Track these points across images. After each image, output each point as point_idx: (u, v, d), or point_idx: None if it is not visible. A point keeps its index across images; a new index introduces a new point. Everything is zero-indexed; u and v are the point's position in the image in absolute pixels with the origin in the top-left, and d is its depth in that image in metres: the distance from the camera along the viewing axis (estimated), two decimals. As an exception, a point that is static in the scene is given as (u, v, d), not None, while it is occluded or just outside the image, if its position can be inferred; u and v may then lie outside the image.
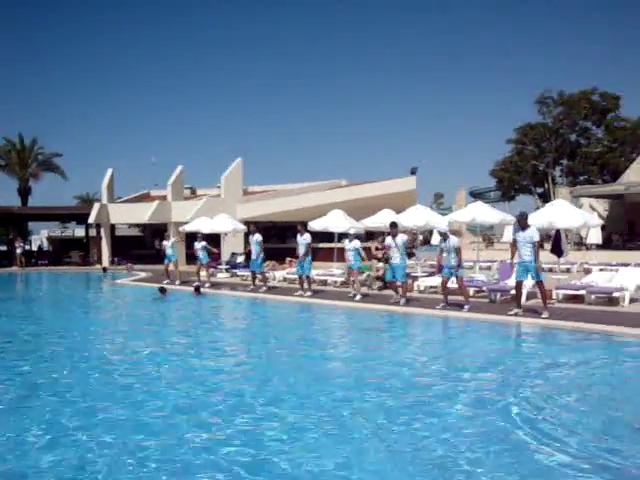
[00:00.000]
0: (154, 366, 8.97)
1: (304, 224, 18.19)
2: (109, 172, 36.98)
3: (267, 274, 20.75)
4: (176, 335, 12.24)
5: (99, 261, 35.01)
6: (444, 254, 14.04)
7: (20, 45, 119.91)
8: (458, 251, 13.71)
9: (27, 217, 40.55)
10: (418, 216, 19.35)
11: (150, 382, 7.99)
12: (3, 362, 9.49)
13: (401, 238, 14.99)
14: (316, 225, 20.66)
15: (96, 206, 35.24)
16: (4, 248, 40.85)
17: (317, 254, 21.51)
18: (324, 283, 20.19)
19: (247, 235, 22.99)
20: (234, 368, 9.03)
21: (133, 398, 7.10)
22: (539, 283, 12.62)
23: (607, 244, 31.25)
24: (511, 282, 15.09)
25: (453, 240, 13.79)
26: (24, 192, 48.33)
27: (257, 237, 18.69)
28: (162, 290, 18.56)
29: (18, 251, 34.30)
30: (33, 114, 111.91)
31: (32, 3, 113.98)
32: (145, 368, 8.88)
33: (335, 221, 20.79)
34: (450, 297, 14.01)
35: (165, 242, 22.49)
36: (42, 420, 6.27)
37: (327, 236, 24.52)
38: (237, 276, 24.24)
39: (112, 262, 34.63)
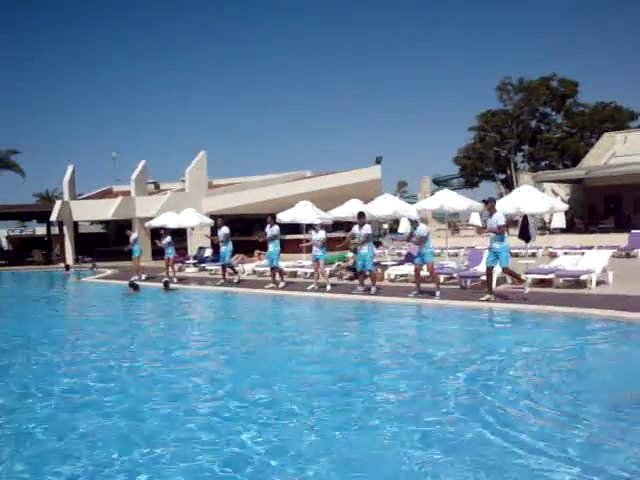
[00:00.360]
0: (135, 366, 8.85)
1: (273, 216, 18.14)
2: (70, 168, 36.31)
3: (237, 267, 20.63)
4: (155, 332, 12.09)
5: (62, 259, 34.37)
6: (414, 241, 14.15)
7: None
8: (423, 239, 13.76)
9: (-15, 217, 39.70)
10: (386, 205, 19.38)
11: (138, 378, 7.88)
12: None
13: (365, 228, 15.03)
14: (284, 217, 20.57)
15: (58, 203, 34.55)
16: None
17: (285, 246, 21.43)
18: (294, 275, 20.15)
19: (215, 229, 22.77)
20: (213, 362, 8.95)
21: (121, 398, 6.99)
22: (504, 269, 12.81)
23: (570, 228, 31.79)
24: (481, 268, 15.26)
25: (421, 228, 13.86)
26: (-19, 191, 47.10)
27: (224, 230, 18.66)
28: (135, 287, 18.29)
29: (-22, 252, 33.52)
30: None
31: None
32: (127, 366, 8.71)
33: (303, 212, 20.70)
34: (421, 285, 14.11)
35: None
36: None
37: (294, 227, 24.48)
38: (205, 270, 24.04)
39: (76, 260, 34.05)
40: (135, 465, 4.95)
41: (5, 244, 50.65)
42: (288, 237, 26.75)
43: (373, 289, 14.79)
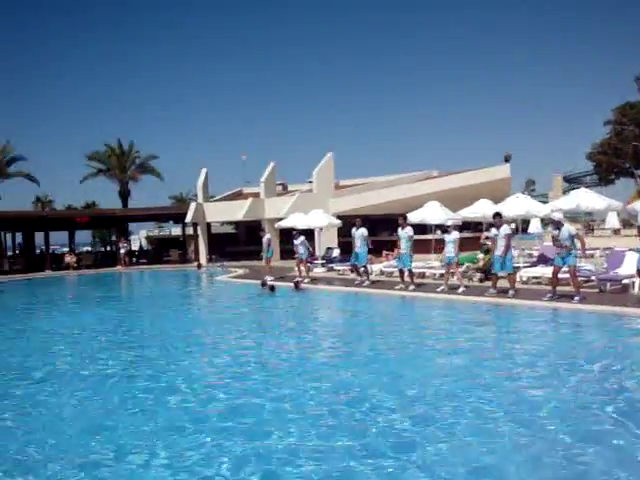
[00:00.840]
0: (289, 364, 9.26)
1: (404, 217, 18.09)
2: (203, 172, 37.99)
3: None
4: (297, 331, 12.43)
5: (196, 259, 36.03)
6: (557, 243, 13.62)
7: (113, 55, 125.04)
8: (576, 237, 13.31)
9: (128, 219, 42.24)
10: (518, 205, 18.82)
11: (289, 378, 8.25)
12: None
13: (504, 229, 14.72)
14: (413, 217, 20.48)
15: (192, 205, 36.28)
16: (109, 248, 43.03)
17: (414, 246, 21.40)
18: (422, 276, 20.04)
19: (340, 230, 22.99)
20: (358, 364, 9.03)
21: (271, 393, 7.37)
22: None
23: None
24: (622, 271, 14.57)
25: (569, 228, 13.40)
26: (124, 195, 50.32)
27: (362, 231, 18.83)
28: (271, 288, 18.85)
29: (122, 251, 35.82)
30: (128, 119, 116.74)
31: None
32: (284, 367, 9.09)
33: (432, 213, 20.56)
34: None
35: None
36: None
37: (421, 228, 24.30)
38: (333, 270, 24.40)
39: (209, 260, 35.61)
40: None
41: (145, 244, 53.92)
42: (415, 237, 26.59)
43: (511, 292, 14.46)
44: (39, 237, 39.50)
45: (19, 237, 43.53)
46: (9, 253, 42.84)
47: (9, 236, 45.09)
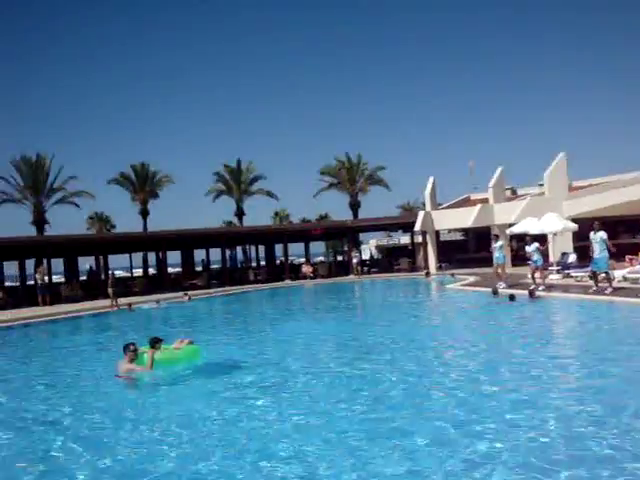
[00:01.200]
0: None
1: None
2: (431, 180, 38.33)
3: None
4: (529, 344, 11.87)
5: (426, 267, 36.39)
6: None
7: (338, 75, 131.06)
8: None
9: (359, 229, 43.91)
10: None
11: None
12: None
13: None
14: (661, 218, 18.87)
15: (421, 214, 36.73)
16: (341, 258, 45.14)
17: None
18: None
19: (576, 234, 21.78)
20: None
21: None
22: None
23: None
24: None
25: None
26: (354, 206, 52.54)
27: (601, 234, 17.79)
28: (511, 296, 18.48)
29: (354, 261, 37.47)
30: (357, 133, 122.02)
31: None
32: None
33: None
34: None
35: (494, 244, 22.75)
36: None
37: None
38: (570, 277, 23.23)
39: (439, 267, 35.79)
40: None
41: (375, 253, 55.74)
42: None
43: None
44: (278, 249, 42.82)
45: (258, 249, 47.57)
46: (253, 264, 46.91)
47: (253, 248, 49.41)
